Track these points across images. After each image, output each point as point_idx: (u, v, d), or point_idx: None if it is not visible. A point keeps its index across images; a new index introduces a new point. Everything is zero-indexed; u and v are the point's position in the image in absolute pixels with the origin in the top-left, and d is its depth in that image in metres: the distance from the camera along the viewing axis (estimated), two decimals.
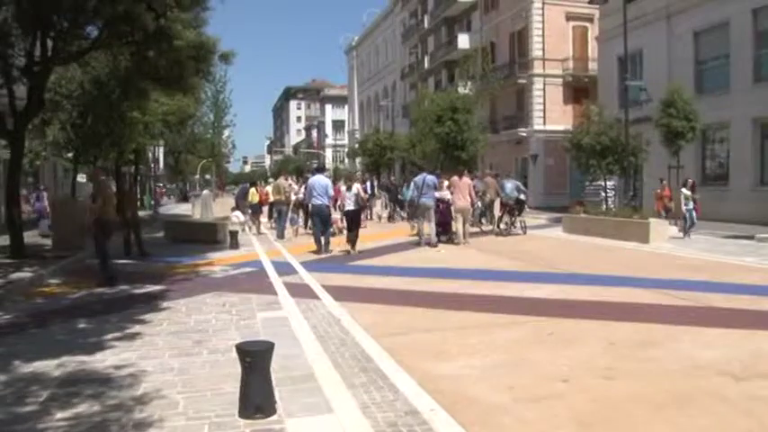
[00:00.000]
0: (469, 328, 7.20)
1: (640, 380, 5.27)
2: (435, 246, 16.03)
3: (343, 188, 16.96)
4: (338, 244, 16.05)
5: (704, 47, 25.34)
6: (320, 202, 15.33)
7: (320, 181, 15.70)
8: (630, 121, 21.98)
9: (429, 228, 16.63)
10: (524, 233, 19.23)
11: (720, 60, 24.53)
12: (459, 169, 19.70)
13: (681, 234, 17.71)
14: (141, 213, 22.59)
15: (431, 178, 16.89)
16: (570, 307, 8.38)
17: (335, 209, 18.84)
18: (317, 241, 15.36)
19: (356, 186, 16.24)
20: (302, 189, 19.51)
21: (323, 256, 14.73)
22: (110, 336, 6.90)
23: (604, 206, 23.80)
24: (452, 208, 17.32)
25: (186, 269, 12.61)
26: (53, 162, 28.00)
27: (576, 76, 36.95)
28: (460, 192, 17.22)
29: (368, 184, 24.26)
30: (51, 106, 17.00)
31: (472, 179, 19.78)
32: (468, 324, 7.45)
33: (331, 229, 16.35)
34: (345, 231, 16.18)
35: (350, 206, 15.79)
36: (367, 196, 20.86)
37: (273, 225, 20.97)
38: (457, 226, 17.10)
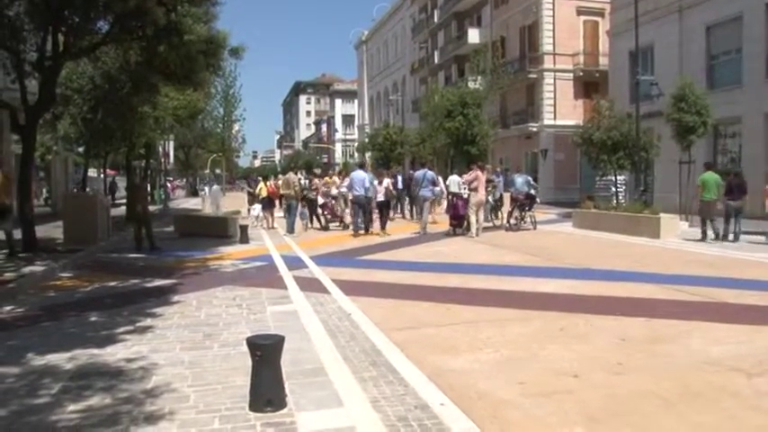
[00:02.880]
0: (480, 323, 7.19)
1: (651, 375, 5.25)
2: (457, 234, 17.35)
3: (375, 182, 18.69)
4: (339, 239, 16.07)
5: (716, 41, 25.14)
6: (359, 194, 17.65)
7: (359, 175, 18.08)
8: (641, 115, 21.85)
9: (423, 218, 18.27)
10: (534, 228, 19.17)
11: (733, 55, 24.34)
12: (478, 164, 19.58)
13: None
14: (152, 208, 22.69)
15: (431, 174, 18.81)
16: (581, 302, 8.36)
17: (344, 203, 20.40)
18: (356, 226, 17.87)
19: (386, 181, 19.23)
20: (345, 182, 20.07)
21: (359, 235, 17.47)
22: (121, 329, 6.94)
23: (615, 201, 23.70)
24: (472, 200, 17.40)
25: (197, 263, 12.66)
26: (64, 156, 28.17)
27: (586, 71, 36.80)
28: (482, 185, 17.51)
29: (398, 177, 24.15)
30: (62, 101, 17.11)
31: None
32: (479, 319, 7.44)
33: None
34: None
35: (380, 198, 18.56)
36: (396, 192, 21.60)
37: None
38: (472, 219, 17.31)
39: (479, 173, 17.79)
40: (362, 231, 17.78)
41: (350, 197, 18.40)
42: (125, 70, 16.49)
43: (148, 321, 7.32)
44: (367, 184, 17.82)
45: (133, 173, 29.26)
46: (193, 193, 57.23)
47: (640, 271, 10.87)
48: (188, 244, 16.25)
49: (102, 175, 32.54)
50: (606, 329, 6.81)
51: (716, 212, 16.20)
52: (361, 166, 20.62)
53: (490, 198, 20.86)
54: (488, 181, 19.93)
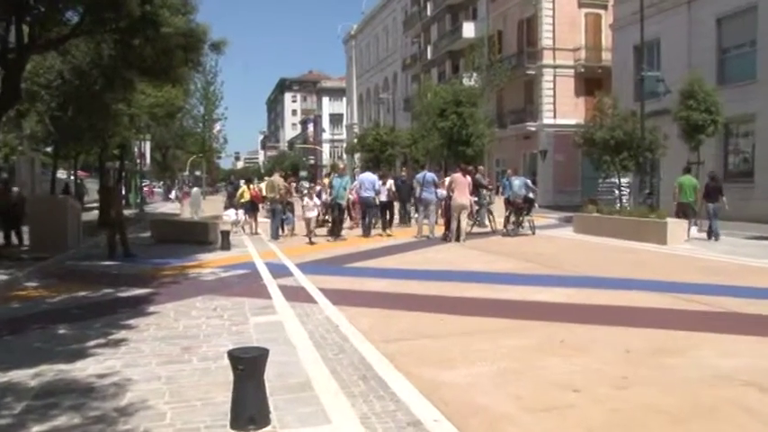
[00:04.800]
0: (475, 334, 7.19)
1: (658, 390, 5.25)
2: (449, 240, 17.50)
3: (379, 182, 20.45)
4: (326, 246, 16.06)
5: (728, 34, 25.10)
6: (368, 195, 19.26)
7: (369, 177, 20.11)
8: (647, 114, 21.94)
9: (428, 223, 18.60)
10: (533, 233, 19.22)
11: (746, 48, 24.30)
12: (461, 166, 19.96)
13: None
14: (126, 212, 22.58)
15: (430, 175, 19.33)
16: (582, 312, 8.37)
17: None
18: (365, 227, 19.44)
19: (390, 182, 21.07)
20: (356, 184, 20.82)
21: (369, 237, 18.79)
22: (92, 342, 6.88)
23: (618, 205, 23.81)
24: (452, 204, 17.71)
25: (175, 271, 12.60)
26: (30, 157, 28.00)
27: (588, 67, 36.97)
28: (461, 189, 17.64)
29: (399, 180, 24.23)
30: (28, 97, 16.93)
31: (474, 175, 20.32)
32: (474, 329, 7.44)
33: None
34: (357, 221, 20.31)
35: (383, 198, 20.25)
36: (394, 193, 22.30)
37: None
38: (453, 224, 17.59)
39: (458, 175, 18.12)
40: (382, 233, 19.65)
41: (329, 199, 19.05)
42: (97, 65, 16.36)
43: (122, 334, 7.27)
44: (377, 186, 19.57)
45: (106, 175, 29.12)
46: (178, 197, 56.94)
47: (646, 279, 10.89)
48: (165, 251, 16.17)
49: (72, 177, 32.39)
50: (609, 341, 6.81)
51: (692, 213, 17.90)
52: (369, 168, 22.25)
53: (485, 202, 20.93)
54: (478, 186, 19.97)
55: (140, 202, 39.12)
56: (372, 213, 19.92)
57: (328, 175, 22.99)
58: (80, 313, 8.55)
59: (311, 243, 17.45)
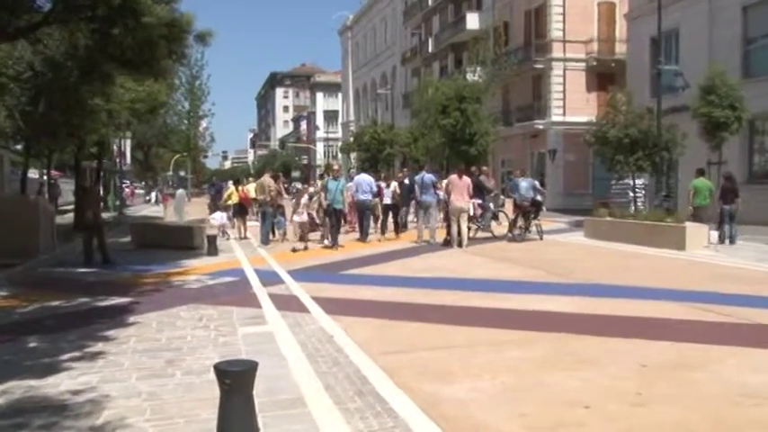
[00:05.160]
0: (478, 346, 7.19)
1: (677, 407, 5.24)
2: (450, 246, 17.62)
3: (383, 185, 21.34)
4: (320, 252, 16.07)
5: (755, 23, 24.99)
6: (365, 198, 19.43)
7: (365, 179, 20.14)
8: (664, 110, 21.93)
9: (428, 228, 18.86)
10: (541, 238, 19.24)
11: None
12: (459, 167, 20.04)
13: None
14: (105, 215, 22.52)
15: (429, 176, 19.55)
16: (593, 322, 8.37)
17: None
18: (363, 232, 19.66)
19: (393, 183, 21.74)
20: (350, 186, 20.64)
21: (366, 242, 19.06)
22: (66, 356, 6.86)
23: (633, 208, 23.81)
24: (450, 208, 17.85)
25: (157, 279, 12.58)
26: None
27: (601, 60, 37.04)
28: (459, 191, 17.71)
29: (406, 181, 24.22)
30: None
31: (478, 176, 20.54)
32: (477, 341, 7.44)
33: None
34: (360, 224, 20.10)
35: (387, 200, 21.16)
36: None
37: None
38: (453, 228, 17.65)
39: (454, 177, 18.25)
40: (381, 237, 20.16)
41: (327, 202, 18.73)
42: (72, 56, 16.22)
43: (99, 346, 7.25)
44: (374, 188, 19.99)
45: (83, 175, 29.10)
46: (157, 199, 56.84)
47: (663, 287, 10.88)
48: (147, 257, 16.15)
49: (45, 177, 32.34)
50: (623, 354, 6.81)
51: (708, 217, 17.91)
52: (365, 169, 22.69)
53: (491, 206, 20.96)
54: (480, 188, 19.99)
55: (120, 205, 39.07)
56: (369, 217, 20.23)
57: (321, 177, 23.00)
58: (53, 324, 8.53)
59: (297, 250, 17.26)
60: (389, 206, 21.43)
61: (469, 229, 19.37)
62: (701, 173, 19.07)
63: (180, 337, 7.70)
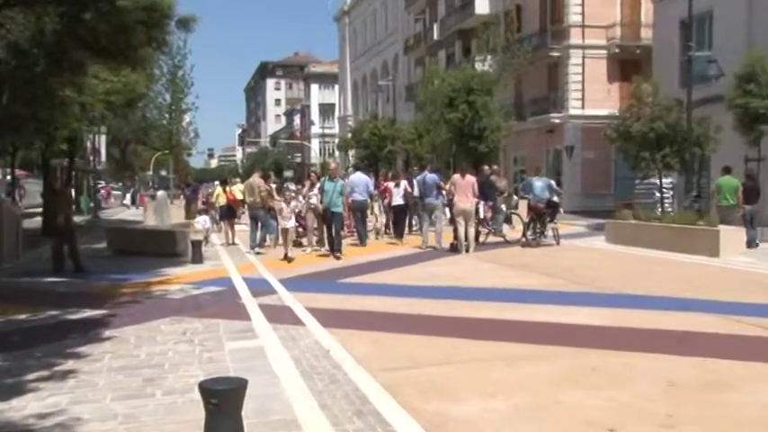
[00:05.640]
0: (489, 361, 7.19)
1: (709, 431, 5.23)
2: (457, 251, 17.68)
3: (391, 184, 21.85)
4: (314, 258, 16.06)
5: None
6: (362, 198, 19.80)
7: (361, 178, 20.62)
8: (695, 101, 21.81)
9: (435, 232, 18.91)
10: (557, 243, 19.28)
11: None
12: (462, 166, 20.07)
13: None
14: (77, 219, 22.50)
15: (432, 176, 19.45)
16: (616, 336, 8.37)
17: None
18: (359, 236, 20.01)
19: (403, 183, 21.73)
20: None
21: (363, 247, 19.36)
22: (32, 375, 6.83)
23: (660, 210, 23.77)
24: (454, 210, 18.00)
25: (135, 289, 12.57)
26: None
27: (624, 47, 37.01)
28: (463, 191, 17.79)
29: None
30: None
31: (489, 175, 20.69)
32: (488, 356, 7.44)
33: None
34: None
35: (398, 201, 21.54)
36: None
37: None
38: (459, 232, 17.73)
39: (457, 176, 18.39)
40: (397, 241, 20.66)
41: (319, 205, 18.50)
42: (39, 42, 16.13)
43: (70, 364, 7.23)
44: (370, 189, 20.53)
45: (52, 174, 29.08)
46: (134, 201, 56.84)
47: (693, 297, 10.87)
48: (124, 264, 16.15)
49: (9, 177, 32.34)
50: (649, 371, 6.80)
51: (733, 219, 17.87)
52: (359, 167, 22.94)
53: (503, 207, 20.96)
54: (491, 188, 20.00)
55: (94, 207, 39.06)
56: (364, 219, 20.59)
57: (310, 175, 22.85)
58: (18, 340, 8.51)
59: (286, 259, 16.87)
60: (401, 207, 21.66)
61: (479, 233, 19.39)
62: (726, 170, 19.13)
63: (161, 352, 7.68)
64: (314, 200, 18.69)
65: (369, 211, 21.63)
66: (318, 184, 18.69)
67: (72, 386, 6.46)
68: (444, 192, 19.16)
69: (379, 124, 47.47)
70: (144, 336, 8.53)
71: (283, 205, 17.88)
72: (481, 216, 19.36)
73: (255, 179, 20.20)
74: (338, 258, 16.99)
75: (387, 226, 23.05)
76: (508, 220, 21.80)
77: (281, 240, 19.51)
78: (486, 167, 22.03)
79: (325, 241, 18.32)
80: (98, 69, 20.45)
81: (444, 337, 8.30)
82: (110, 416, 5.60)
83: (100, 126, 34.46)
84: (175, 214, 28.62)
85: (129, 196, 59.04)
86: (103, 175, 58.62)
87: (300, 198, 19.84)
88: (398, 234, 21.47)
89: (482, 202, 19.24)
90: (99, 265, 15.79)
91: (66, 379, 6.70)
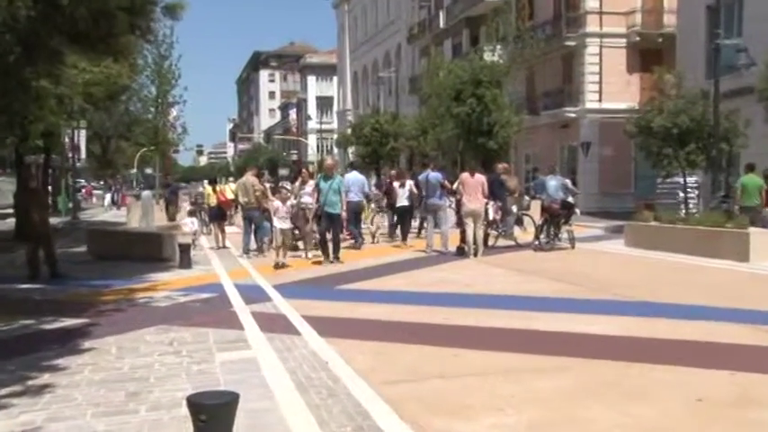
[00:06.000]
0: (498, 374, 7.18)
1: None
2: (465, 255, 17.75)
3: (396, 184, 21.95)
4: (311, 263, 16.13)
5: None
6: (357, 199, 19.97)
7: (356, 178, 20.92)
8: (723, 93, 21.72)
9: (440, 234, 19.04)
10: (572, 247, 19.26)
11: None
12: (471, 164, 20.06)
13: None
14: (54, 220, 22.50)
15: (435, 175, 19.80)
16: (637, 347, 8.34)
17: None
18: (355, 238, 20.41)
19: (409, 182, 21.79)
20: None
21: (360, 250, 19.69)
22: (4, 390, 6.80)
23: (684, 211, 23.74)
24: (462, 211, 18.06)
25: (118, 296, 12.57)
26: None
27: (645, 35, 37.00)
28: (472, 191, 17.86)
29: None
30: None
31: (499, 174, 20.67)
32: (497, 368, 7.43)
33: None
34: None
35: (403, 202, 21.46)
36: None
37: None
38: (468, 234, 17.75)
39: (465, 175, 18.41)
40: (402, 243, 21.02)
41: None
42: (11, 29, 16.04)
43: (46, 378, 7.20)
44: (366, 189, 20.95)
45: (27, 172, 29.09)
46: (114, 201, 56.67)
47: (722, 306, 10.84)
48: (106, 270, 16.15)
49: None
50: (674, 385, 6.78)
51: (759, 219, 17.95)
52: (355, 165, 23.67)
53: (514, 208, 20.94)
54: (493, 185, 19.95)
55: (73, 208, 39.05)
56: (358, 221, 20.94)
57: (302, 171, 22.74)
58: None
59: (283, 266, 16.48)
60: (406, 209, 21.78)
61: (488, 235, 19.38)
62: (750, 168, 19.28)
63: (145, 365, 7.67)
64: (305, 198, 18.29)
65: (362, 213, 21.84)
66: (312, 182, 18.62)
67: (48, 402, 6.44)
68: (448, 191, 19.18)
69: (381, 119, 47.52)
70: (127, 346, 8.52)
71: (279, 204, 17.38)
72: (490, 217, 19.32)
73: (249, 178, 20.18)
74: (334, 264, 16.93)
75: (392, 229, 23.01)
76: (519, 222, 21.79)
77: (276, 243, 19.37)
78: (500, 165, 21.95)
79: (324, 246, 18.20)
80: (77, 59, 20.46)
81: (451, 348, 8.29)
82: None
83: (79, 120, 34.50)
84: (162, 215, 28.70)
85: (108, 196, 58.54)
86: (83, 173, 58.64)
87: (293, 197, 19.56)
88: (403, 236, 21.52)
89: (491, 203, 19.21)
90: (78, 271, 15.80)
91: (42, 394, 6.67)
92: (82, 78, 23.49)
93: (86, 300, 12.16)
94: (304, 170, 22.98)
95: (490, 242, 19.57)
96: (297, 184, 20.66)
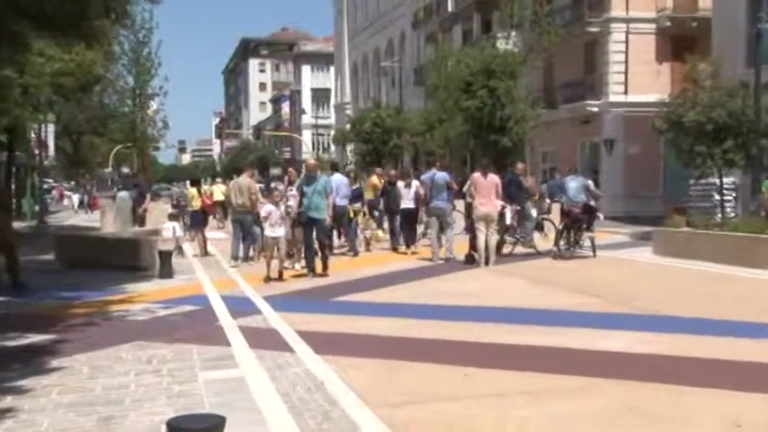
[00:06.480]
0: (513, 396, 7.18)
1: None
2: (475, 263, 17.77)
3: (401, 185, 22.05)
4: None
5: None
6: (342, 204, 19.87)
7: (343, 180, 21.17)
8: (765, 84, 21.72)
9: (445, 240, 19.12)
10: (594, 255, 19.31)
11: None
12: (483, 163, 19.99)
13: None
14: (18, 225, 22.46)
15: (441, 175, 19.74)
16: (667, 366, 8.34)
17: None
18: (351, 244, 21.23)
19: (415, 183, 21.65)
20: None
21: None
22: None
23: (720, 215, 23.69)
24: (474, 215, 17.98)
25: (91, 309, 12.56)
26: None
27: (677, 20, 36.93)
28: (485, 193, 17.83)
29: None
30: None
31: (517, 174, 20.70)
32: (512, 389, 7.43)
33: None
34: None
35: (408, 204, 21.42)
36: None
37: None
38: (479, 241, 17.70)
39: (477, 175, 18.43)
40: (406, 250, 21.28)
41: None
42: None
43: (8, 401, 7.19)
44: (348, 192, 20.99)
45: None
46: (83, 203, 55.64)
47: (760, 321, 10.83)
48: (77, 279, 16.13)
49: None
50: (710, 410, 6.77)
51: None
52: (336, 167, 23.86)
53: (534, 212, 20.89)
54: (510, 186, 19.94)
55: (41, 211, 39.06)
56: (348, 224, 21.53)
57: (289, 172, 22.60)
58: None
59: (268, 281, 15.92)
60: (411, 211, 21.80)
61: (505, 242, 19.38)
62: None
63: (120, 385, 7.67)
64: (291, 201, 17.67)
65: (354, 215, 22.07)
66: (297, 183, 18.46)
67: (9, 428, 6.44)
68: (454, 193, 19.17)
69: (383, 114, 47.57)
70: (100, 365, 8.53)
71: (272, 209, 16.49)
72: (507, 222, 19.29)
73: (245, 179, 20.11)
74: (311, 277, 16.34)
75: (393, 233, 22.98)
76: (539, 228, 21.66)
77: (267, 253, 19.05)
78: (519, 164, 21.93)
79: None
80: (44, 45, 20.43)
81: (460, 367, 8.28)
82: None
83: (47, 114, 34.52)
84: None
85: (76, 198, 57.21)
86: (52, 172, 58.60)
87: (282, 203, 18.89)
88: (407, 242, 21.62)
89: (508, 206, 19.20)
90: (46, 281, 15.81)
91: (3, 419, 6.66)
92: (50, 67, 23.48)
93: (54, 313, 12.15)
94: (291, 170, 22.98)
95: (506, 249, 19.58)
96: (281, 186, 20.47)
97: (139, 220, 26.28)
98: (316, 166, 17.96)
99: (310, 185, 16.67)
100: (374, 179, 24.76)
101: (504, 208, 18.64)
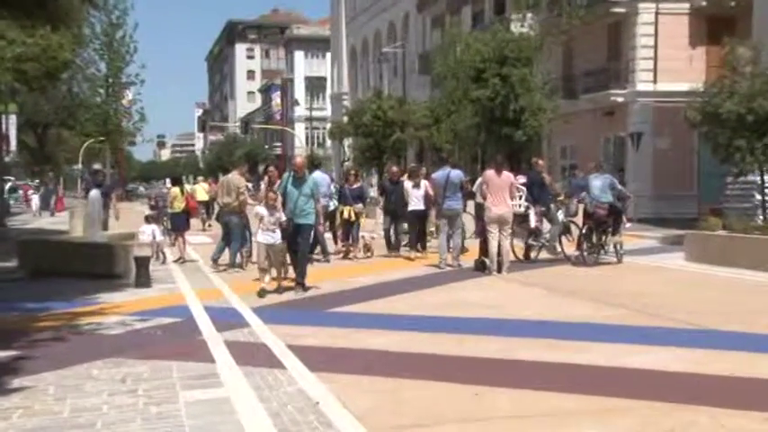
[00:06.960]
0: (530, 419, 7.18)
1: None
2: (487, 271, 17.89)
3: (409, 184, 22.12)
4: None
5: None
6: (324, 204, 19.53)
7: (324, 178, 21.63)
8: None
9: (453, 244, 19.33)
10: (619, 261, 19.34)
11: None
12: (497, 160, 19.90)
13: None
14: None
15: (456, 173, 19.93)
16: (706, 387, 8.33)
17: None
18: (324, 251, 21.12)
19: (424, 183, 21.79)
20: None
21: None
22: None
23: (762, 217, 23.68)
24: (486, 216, 18.04)
25: (58, 321, 12.54)
26: None
27: (712, 0, 36.87)
28: (499, 193, 17.89)
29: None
30: None
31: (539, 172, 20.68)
32: (529, 411, 7.43)
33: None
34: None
35: (418, 205, 21.50)
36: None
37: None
38: (492, 246, 17.76)
39: (491, 173, 18.46)
40: (414, 254, 21.56)
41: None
42: None
43: None
44: (331, 190, 22.07)
45: None
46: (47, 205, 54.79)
47: None
48: (44, 289, 16.15)
49: None
50: None
51: None
52: (318, 164, 24.52)
53: (560, 214, 20.85)
54: (533, 186, 19.93)
55: (1, 213, 39.01)
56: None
57: (269, 171, 22.55)
58: None
59: (262, 294, 15.28)
60: (420, 213, 21.87)
61: (532, 246, 19.40)
62: None
63: (92, 407, 7.64)
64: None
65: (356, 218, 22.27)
66: (278, 183, 17.85)
67: None
68: (466, 193, 19.19)
69: (385, 105, 47.55)
70: (69, 384, 8.51)
71: (264, 212, 15.69)
72: (532, 225, 19.28)
73: (235, 177, 20.12)
74: (298, 290, 15.70)
75: (388, 239, 23.00)
76: (567, 231, 21.58)
77: (254, 258, 18.77)
78: (540, 162, 21.86)
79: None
80: (5, 27, 20.41)
81: (471, 385, 8.27)
82: None
83: (8, 104, 34.57)
84: (117, 222, 28.64)
85: (37, 199, 55.38)
86: (13, 169, 58.56)
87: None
88: (421, 245, 21.90)
89: (532, 208, 19.20)
90: (7, 291, 15.83)
91: None
92: (11, 52, 23.42)
93: (17, 327, 12.14)
94: (272, 168, 22.92)
95: (532, 254, 19.78)
96: (262, 186, 20.28)
97: (102, 223, 26.23)
98: (303, 166, 16.90)
99: (297, 187, 15.97)
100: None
101: (527, 210, 18.63)
